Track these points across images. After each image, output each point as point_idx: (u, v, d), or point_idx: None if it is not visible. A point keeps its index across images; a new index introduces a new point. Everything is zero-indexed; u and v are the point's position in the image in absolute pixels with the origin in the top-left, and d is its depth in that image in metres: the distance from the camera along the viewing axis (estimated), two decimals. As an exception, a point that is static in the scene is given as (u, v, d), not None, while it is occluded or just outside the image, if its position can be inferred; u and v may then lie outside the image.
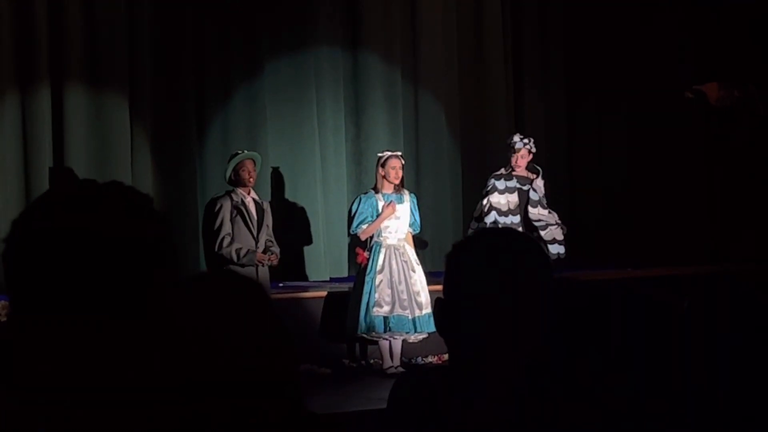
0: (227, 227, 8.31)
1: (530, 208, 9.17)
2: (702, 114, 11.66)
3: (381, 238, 8.63)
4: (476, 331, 2.01)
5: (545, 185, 9.31)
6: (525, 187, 9.20)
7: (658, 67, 11.81)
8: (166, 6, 9.80)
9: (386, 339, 8.56)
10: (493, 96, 11.50)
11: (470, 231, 9.20)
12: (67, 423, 1.30)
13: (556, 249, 9.09)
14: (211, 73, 10.08)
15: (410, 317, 8.51)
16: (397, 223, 8.64)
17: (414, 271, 8.64)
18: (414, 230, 8.85)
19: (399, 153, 8.88)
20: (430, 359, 9.13)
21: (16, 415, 1.29)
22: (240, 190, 8.40)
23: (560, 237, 9.19)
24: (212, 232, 8.40)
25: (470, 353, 2.03)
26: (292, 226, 10.04)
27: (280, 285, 9.43)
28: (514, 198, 9.18)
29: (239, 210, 8.35)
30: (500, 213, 9.14)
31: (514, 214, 9.16)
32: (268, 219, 8.56)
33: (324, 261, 10.34)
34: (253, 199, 8.50)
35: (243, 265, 8.21)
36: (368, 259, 8.59)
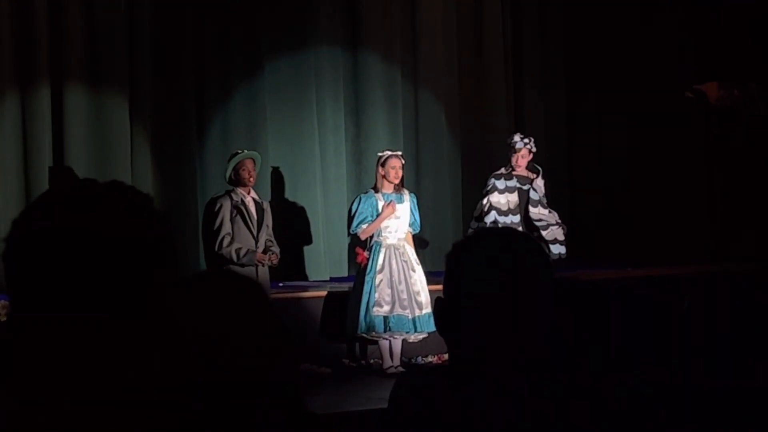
0: (227, 227, 8.31)
1: (531, 208, 9.17)
2: (702, 114, 11.66)
3: (381, 238, 8.63)
4: (476, 331, 2.01)
5: (545, 185, 9.31)
6: (525, 187, 9.21)
7: (658, 67, 11.81)
8: (166, 6, 9.80)
9: (386, 339, 8.56)
10: (493, 96, 11.50)
11: (470, 230, 9.20)
12: (67, 423, 1.30)
13: (557, 249, 9.09)
14: (211, 73, 10.08)
15: (410, 317, 8.51)
16: (397, 222, 8.64)
17: (414, 270, 8.64)
18: (414, 230, 8.85)
19: (399, 152, 8.88)
20: (430, 359, 9.13)
21: (16, 415, 1.29)
22: (240, 190, 8.40)
23: (561, 237, 9.19)
24: (212, 232, 8.40)
25: (470, 353, 2.03)
26: (292, 226, 10.04)
27: (280, 285, 9.43)
28: (514, 197, 9.18)
29: (239, 210, 8.35)
30: (500, 212, 9.14)
31: (514, 214, 9.16)
32: (268, 219, 8.56)
33: (324, 261, 10.35)
34: (253, 199, 8.50)
35: (243, 265, 8.20)
36: (368, 259, 8.59)
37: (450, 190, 11.17)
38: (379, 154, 8.88)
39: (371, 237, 8.65)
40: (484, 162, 10.77)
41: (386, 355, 8.59)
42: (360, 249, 8.70)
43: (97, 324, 1.32)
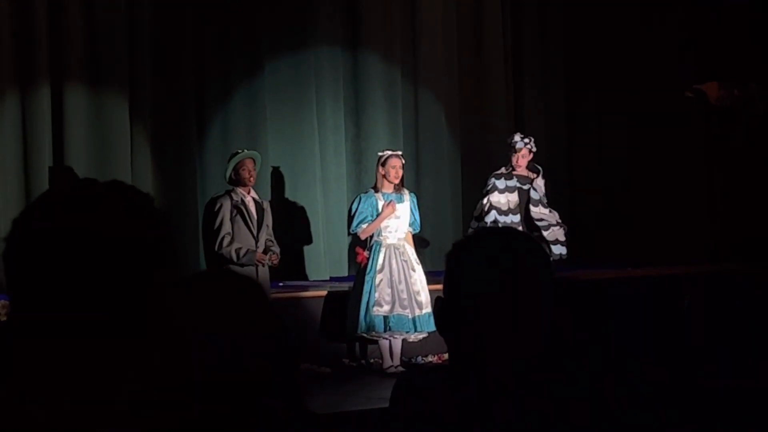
0: (227, 227, 8.31)
1: (532, 207, 9.17)
2: (702, 114, 11.66)
3: (381, 238, 8.63)
4: (476, 331, 2.01)
5: (545, 185, 9.31)
6: (525, 187, 9.20)
7: (658, 67, 11.81)
8: (166, 6, 9.80)
9: (386, 338, 8.56)
10: (493, 96, 11.50)
11: (470, 230, 9.21)
12: (67, 423, 1.30)
13: (558, 250, 9.09)
14: (211, 73, 10.08)
15: (410, 316, 8.51)
16: (397, 222, 8.64)
17: (414, 270, 8.64)
18: (414, 230, 8.85)
19: (399, 152, 8.88)
20: (430, 359, 9.13)
21: (16, 415, 1.29)
22: (240, 190, 8.39)
23: (562, 238, 9.20)
24: (212, 232, 8.39)
25: (470, 353, 2.03)
26: (292, 226, 10.04)
27: (280, 284, 9.43)
28: (514, 197, 9.18)
29: (239, 209, 8.34)
30: (500, 212, 9.14)
31: (514, 214, 9.16)
32: (268, 218, 8.56)
33: (324, 260, 10.35)
34: (253, 199, 8.50)
35: (243, 265, 8.20)
36: (368, 259, 8.59)
37: (450, 190, 11.17)
38: (380, 153, 8.88)
39: (371, 237, 8.65)
40: (484, 162, 10.77)
41: (386, 354, 8.59)
42: (360, 249, 8.70)
43: (97, 324, 1.32)
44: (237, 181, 8.39)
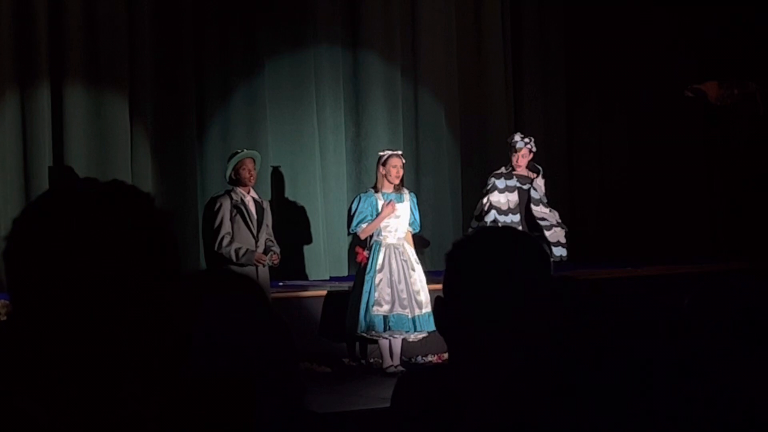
0: (227, 226, 8.31)
1: (533, 206, 9.17)
2: (702, 114, 11.67)
3: (381, 237, 8.63)
4: (476, 331, 2.01)
5: (545, 184, 9.31)
6: (525, 186, 9.21)
7: (658, 67, 11.81)
8: (166, 6, 9.80)
9: (386, 338, 8.56)
10: (493, 96, 11.50)
11: (470, 230, 9.21)
12: (67, 423, 1.30)
13: (559, 251, 9.09)
14: (211, 73, 10.08)
15: (410, 316, 8.51)
16: (396, 222, 8.64)
17: (414, 270, 8.64)
18: (414, 229, 8.85)
19: (400, 152, 8.88)
20: (430, 358, 9.13)
21: (17, 415, 1.30)
22: (240, 189, 8.39)
23: (563, 239, 9.20)
24: (212, 232, 8.39)
25: (470, 353, 2.03)
26: (292, 226, 10.04)
27: (280, 284, 9.43)
28: (514, 197, 9.18)
29: (239, 209, 8.34)
30: (500, 212, 9.14)
31: (514, 213, 9.16)
32: (268, 218, 8.55)
33: (324, 260, 10.35)
34: (253, 198, 8.50)
35: (242, 265, 8.19)
36: (368, 258, 8.59)
37: (450, 189, 11.17)
38: (380, 153, 8.87)
39: (371, 236, 8.65)
40: (484, 161, 10.78)
41: (386, 354, 8.59)
42: (360, 248, 8.70)
43: (97, 323, 1.32)
44: (237, 180, 8.39)
